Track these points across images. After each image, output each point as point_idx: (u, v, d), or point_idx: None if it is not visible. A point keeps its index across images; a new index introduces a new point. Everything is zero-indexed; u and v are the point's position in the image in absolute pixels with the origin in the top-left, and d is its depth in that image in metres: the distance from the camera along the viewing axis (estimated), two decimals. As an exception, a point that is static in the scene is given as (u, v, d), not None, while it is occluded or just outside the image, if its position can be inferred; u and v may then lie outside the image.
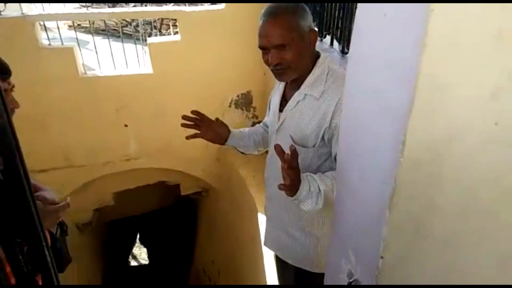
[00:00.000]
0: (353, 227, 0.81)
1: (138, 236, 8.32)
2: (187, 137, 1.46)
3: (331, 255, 0.96)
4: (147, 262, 8.39)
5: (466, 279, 0.70)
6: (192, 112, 1.45)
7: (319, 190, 1.14)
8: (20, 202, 0.62)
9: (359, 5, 0.67)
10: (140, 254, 8.99)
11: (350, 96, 0.75)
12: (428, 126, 0.58)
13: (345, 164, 0.81)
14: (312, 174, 1.18)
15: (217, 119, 1.49)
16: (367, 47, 0.66)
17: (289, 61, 1.18)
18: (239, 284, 3.40)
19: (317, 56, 1.27)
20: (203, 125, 1.46)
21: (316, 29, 2.23)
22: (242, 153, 1.61)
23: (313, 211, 1.17)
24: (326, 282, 1.01)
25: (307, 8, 1.21)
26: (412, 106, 0.56)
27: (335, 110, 1.19)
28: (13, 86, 1.25)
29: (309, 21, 1.20)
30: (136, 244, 8.69)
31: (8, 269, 0.68)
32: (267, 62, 1.22)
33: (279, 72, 1.22)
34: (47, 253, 0.67)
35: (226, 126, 1.52)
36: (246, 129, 1.61)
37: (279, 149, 1.05)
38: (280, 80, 1.29)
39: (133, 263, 8.58)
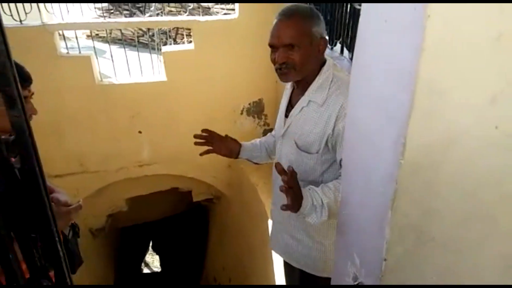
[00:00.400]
0: (358, 230, 0.82)
1: (151, 244, 8.37)
2: (201, 154, 1.54)
3: (337, 258, 0.97)
4: (159, 270, 8.41)
5: (467, 281, 0.70)
6: (202, 130, 1.52)
7: (322, 203, 1.17)
8: (35, 199, 0.65)
9: (362, 12, 0.69)
10: (153, 262, 9.02)
11: (353, 101, 0.77)
12: (428, 130, 0.59)
13: (350, 167, 0.82)
14: (314, 188, 1.20)
15: (226, 135, 1.56)
16: (369, 52, 0.68)
17: (295, 62, 1.21)
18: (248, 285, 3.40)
19: (323, 63, 1.30)
20: (214, 141, 1.52)
21: (327, 37, 2.27)
22: (256, 163, 1.65)
23: (319, 223, 1.20)
24: (333, 285, 1.02)
25: (322, 17, 1.24)
26: (412, 110, 0.57)
27: (337, 117, 1.21)
28: (32, 94, 1.29)
29: (321, 29, 1.23)
30: (149, 252, 8.74)
31: (24, 266, 0.71)
32: (273, 61, 1.25)
33: (282, 72, 1.24)
34: (59, 248, 0.70)
35: (236, 140, 1.58)
36: (258, 140, 1.65)
37: (279, 168, 1.09)
38: (282, 80, 1.31)
39: (146, 270, 8.61)
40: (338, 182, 1.20)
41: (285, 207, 1.11)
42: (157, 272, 8.47)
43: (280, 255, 1.59)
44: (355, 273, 0.86)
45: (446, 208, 0.64)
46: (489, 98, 0.58)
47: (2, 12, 2.67)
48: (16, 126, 0.60)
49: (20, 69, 1.20)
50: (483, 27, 0.53)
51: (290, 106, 1.39)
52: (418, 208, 0.64)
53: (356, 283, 0.84)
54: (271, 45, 1.24)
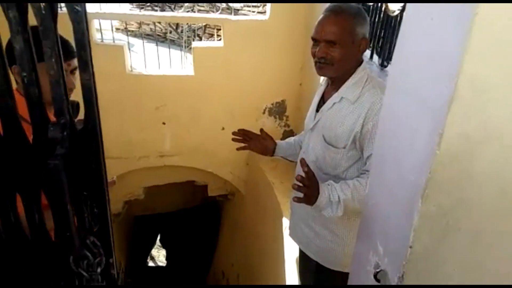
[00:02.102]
0: (384, 219, 0.85)
1: (159, 237, 8.43)
2: (238, 148, 1.62)
3: (359, 248, 1.00)
4: (164, 264, 8.46)
5: (490, 275, 0.73)
6: (239, 130, 1.61)
7: (339, 199, 1.24)
8: (94, 158, 0.72)
9: (407, 8, 0.73)
10: (159, 256, 9.08)
11: (391, 90, 0.80)
12: (466, 122, 0.62)
13: (381, 155, 0.85)
14: (333, 183, 1.28)
15: (261, 130, 1.63)
16: (412, 47, 0.72)
17: (334, 58, 1.26)
18: (256, 284, 3.42)
19: (360, 63, 1.34)
20: (250, 140, 1.61)
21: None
22: (291, 161, 1.73)
23: (334, 217, 1.28)
24: (352, 275, 1.05)
25: (368, 18, 1.29)
26: (452, 101, 0.60)
27: (367, 116, 1.25)
28: (75, 68, 1.34)
29: (365, 30, 1.28)
30: (156, 245, 8.79)
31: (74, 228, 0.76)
32: (313, 54, 1.30)
33: (320, 65, 1.30)
34: (108, 207, 0.76)
35: (271, 138, 1.65)
36: (292, 139, 1.73)
37: (303, 162, 1.20)
38: (319, 73, 1.36)
39: (151, 264, 8.67)
40: (357, 180, 1.27)
41: (296, 199, 1.21)
42: (163, 266, 8.52)
43: (298, 244, 1.64)
44: (377, 261, 0.89)
45: (480, 201, 0.67)
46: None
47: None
48: (85, 88, 0.67)
49: (65, 43, 1.25)
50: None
51: (322, 101, 1.44)
52: (451, 197, 0.67)
53: (377, 270, 0.87)
54: (313, 39, 1.29)
